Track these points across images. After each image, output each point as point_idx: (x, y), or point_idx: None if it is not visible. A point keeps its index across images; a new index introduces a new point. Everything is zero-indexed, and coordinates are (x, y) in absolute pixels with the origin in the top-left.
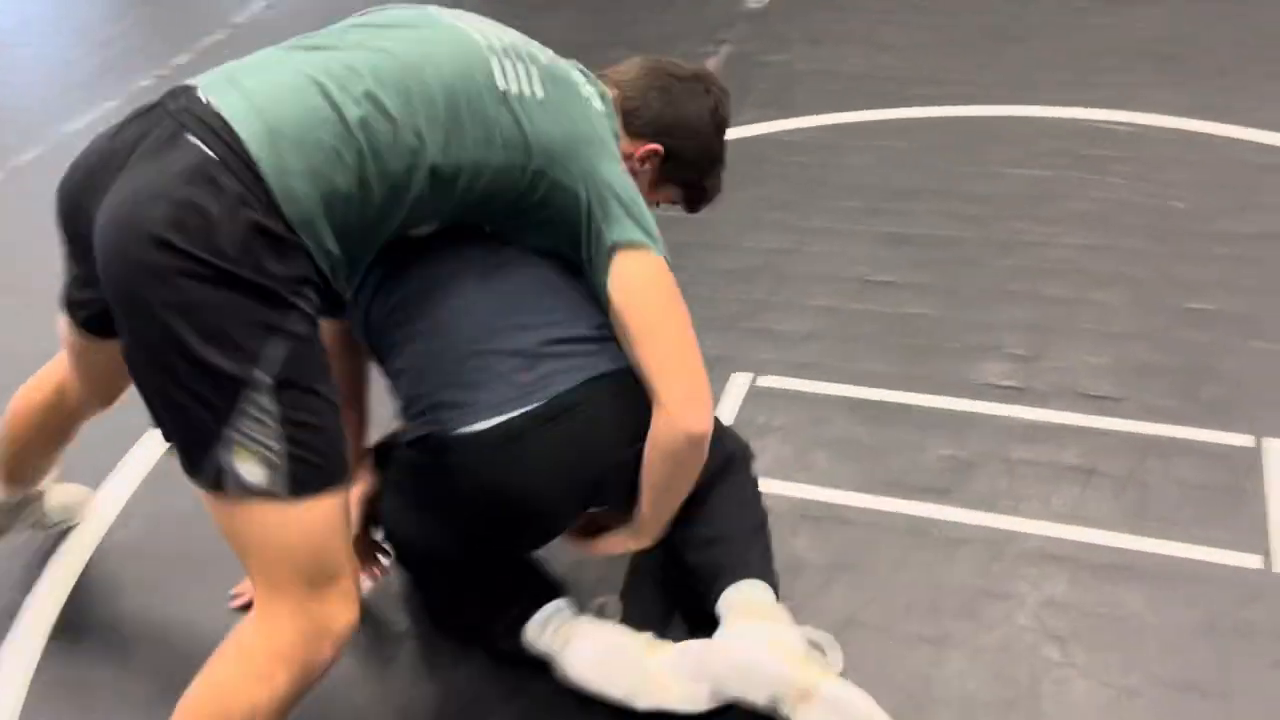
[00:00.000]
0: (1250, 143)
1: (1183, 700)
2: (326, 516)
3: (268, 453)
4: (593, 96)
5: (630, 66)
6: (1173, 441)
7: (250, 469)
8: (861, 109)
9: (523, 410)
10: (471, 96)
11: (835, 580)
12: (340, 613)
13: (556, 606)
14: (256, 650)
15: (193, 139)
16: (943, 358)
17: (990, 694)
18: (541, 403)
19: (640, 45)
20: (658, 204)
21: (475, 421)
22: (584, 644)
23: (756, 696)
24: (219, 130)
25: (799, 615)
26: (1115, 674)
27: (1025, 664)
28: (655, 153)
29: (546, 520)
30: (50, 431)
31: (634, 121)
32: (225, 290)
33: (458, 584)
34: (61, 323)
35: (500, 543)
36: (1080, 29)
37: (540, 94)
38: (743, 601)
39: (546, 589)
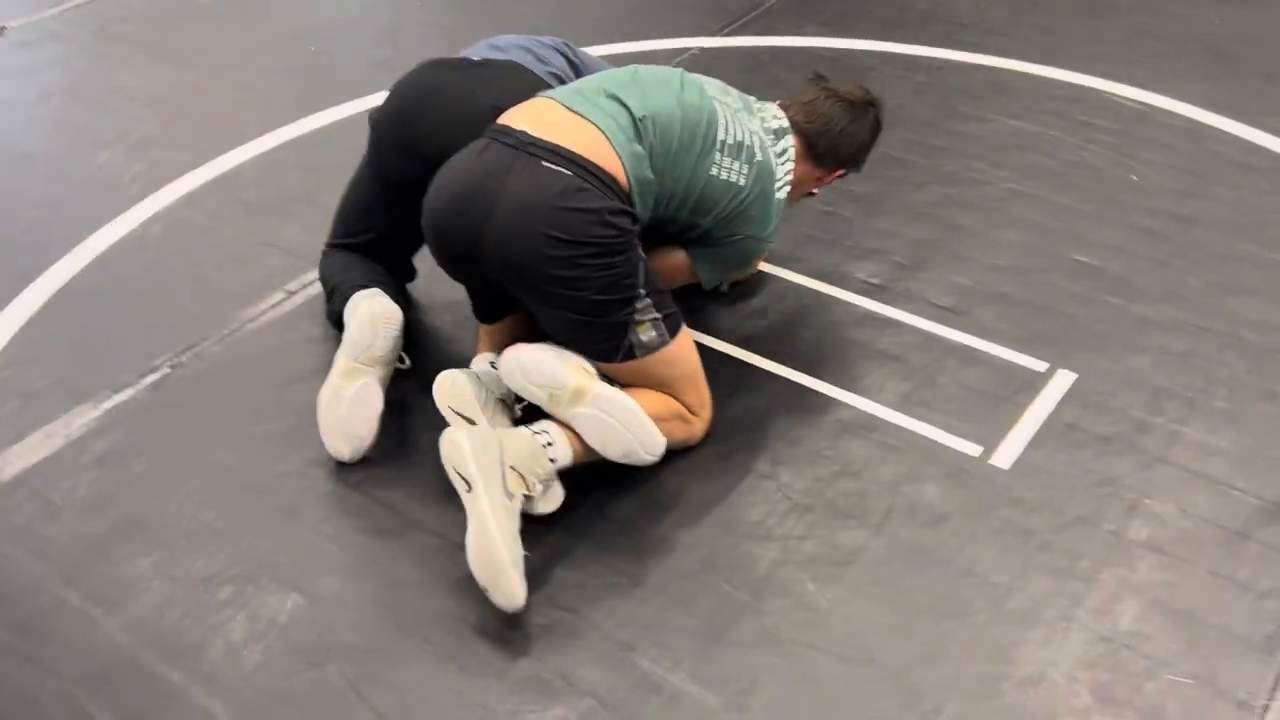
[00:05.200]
0: (1243, 140)
1: (840, 539)
2: (690, 343)
3: (649, 320)
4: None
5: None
6: (977, 353)
7: (647, 334)
8: (913, 43)
9: None
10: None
11: None
12: (705, 422)
13: None
14: (691, 431)
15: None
16: (833, 250)
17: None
18: None
19: None
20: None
21: None
22: None
23: (534, 394)
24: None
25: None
26: (797, 493)
27: (760, 506)
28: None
29: None
30: None
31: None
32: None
33: None
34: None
35: None
36: (1159, 11)
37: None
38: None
39: None
